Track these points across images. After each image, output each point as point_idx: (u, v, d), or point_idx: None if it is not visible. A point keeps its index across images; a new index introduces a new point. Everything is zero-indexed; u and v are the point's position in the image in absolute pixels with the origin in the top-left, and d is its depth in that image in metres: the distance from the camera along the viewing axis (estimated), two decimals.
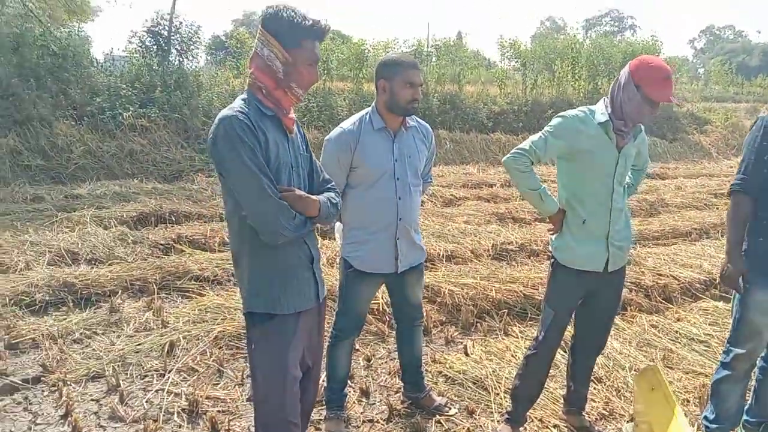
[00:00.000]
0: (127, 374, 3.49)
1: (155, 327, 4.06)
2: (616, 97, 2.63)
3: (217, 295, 4.55)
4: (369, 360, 3.82)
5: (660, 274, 5.16)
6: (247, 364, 3.60)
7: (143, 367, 3.57)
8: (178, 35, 11.14)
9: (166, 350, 3.70)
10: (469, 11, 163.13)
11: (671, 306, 4.77)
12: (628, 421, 3.11)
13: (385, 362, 3.82)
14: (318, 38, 1.97)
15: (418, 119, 3.03)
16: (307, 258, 2.10)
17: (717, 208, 8.46)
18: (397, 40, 15.66)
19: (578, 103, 14.81)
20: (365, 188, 2.81)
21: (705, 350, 3.94)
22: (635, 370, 3.57)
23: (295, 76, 1.95)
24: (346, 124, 2.86)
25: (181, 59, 11.36)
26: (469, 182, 9.72)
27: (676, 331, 4.19)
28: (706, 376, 3.57)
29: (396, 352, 3.70)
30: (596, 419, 3.14)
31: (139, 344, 3.79)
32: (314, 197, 2.03)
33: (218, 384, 3.45)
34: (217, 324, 4.00)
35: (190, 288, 4.77)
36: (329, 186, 2.20)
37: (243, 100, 1.96)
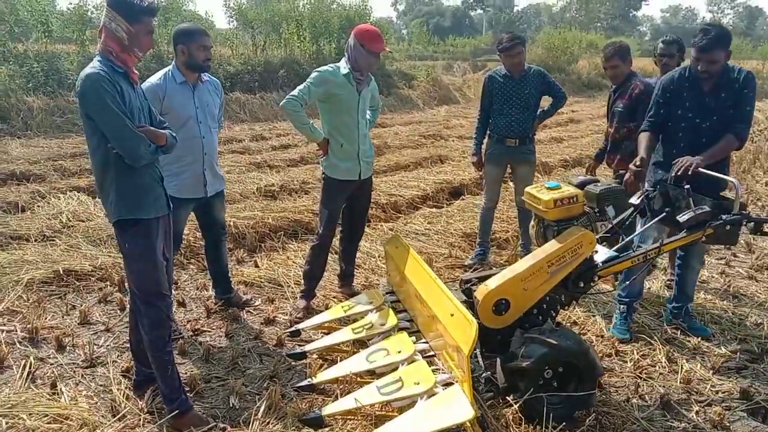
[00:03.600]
0: None
1: None
2: (351, 55, 3.75)
3: (10, 254, 4.72)
4: (176, 283, 4.51)
5: (390, 195, 6.72)
6: (64, 301, 4.08)
7: None
8: None
9: None
10: None
11: (401, 215, 6.35)
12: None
13: (190, 282, 4.57)
14: (152, 15, 2.66)
15: (210, 75, 3.80)
16: (159, 177, 2.82)
17: (426, 147, 10.52)
18: None
19: (306, 64, 16.21)
20: (175, 129, 3.47)
21: (426, 239, 5.49)
22: (382, 256, 4.90)
23: (137, 43, 2.63)
24: (153, 79, 3.53)
25: None
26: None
27: (407, 230, 5.70)
28: (427, 254, 5.07)
29: (198, 273, 4.50)
30: (362, 288, 4.39)
31: None
32: (161, 131, 2.75)
33: (46, 318, 3.86)
34: (24, 274, 4.29)
35: None
36: (165, 125, 2.92)
37: (99, 61, 2.59)
